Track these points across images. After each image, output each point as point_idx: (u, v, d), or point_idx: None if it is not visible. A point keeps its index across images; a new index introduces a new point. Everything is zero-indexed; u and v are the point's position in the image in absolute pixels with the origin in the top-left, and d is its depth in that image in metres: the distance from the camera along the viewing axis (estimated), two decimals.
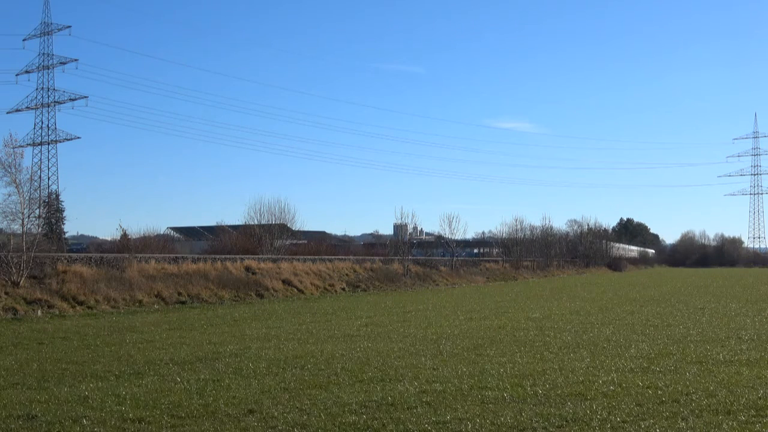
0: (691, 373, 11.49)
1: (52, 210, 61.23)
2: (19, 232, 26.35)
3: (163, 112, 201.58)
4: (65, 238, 64.67)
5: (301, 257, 43.18)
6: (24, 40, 76.11)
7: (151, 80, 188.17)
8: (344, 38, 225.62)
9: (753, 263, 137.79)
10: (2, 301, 22.85)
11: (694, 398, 9.47)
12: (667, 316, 22.86)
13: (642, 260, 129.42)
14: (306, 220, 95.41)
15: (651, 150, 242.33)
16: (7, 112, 77.94)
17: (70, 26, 75.50)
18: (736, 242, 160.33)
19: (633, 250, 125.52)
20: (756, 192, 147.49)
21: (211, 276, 31.94)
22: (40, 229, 30.51)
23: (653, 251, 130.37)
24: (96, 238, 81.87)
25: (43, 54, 73.95)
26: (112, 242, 49.20)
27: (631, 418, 8.42)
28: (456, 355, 13.78)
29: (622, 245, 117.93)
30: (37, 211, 29.03)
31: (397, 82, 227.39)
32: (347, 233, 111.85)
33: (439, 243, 71.57)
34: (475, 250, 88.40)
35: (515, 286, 49.20)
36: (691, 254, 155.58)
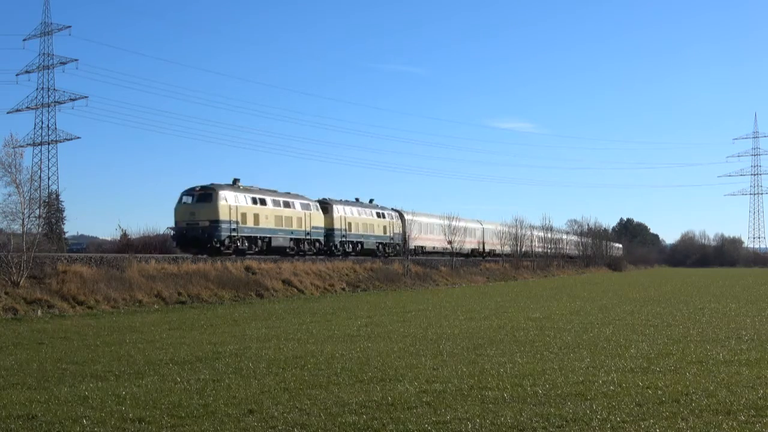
0: (691, 373, 11.48)
1: (52, 210, 61.25)
2: (19, 232, 26.32)
3: (163, 111, 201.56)
4: (65, 238, 64.62)
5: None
6: (24, 40, 76.27)
7: (151, 80, 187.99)
8: (344, 38, 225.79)
9: (753, 263, 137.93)
10: (2, 301, 22.84)
11: (694, 398, 9.46)
12: (667, 316, 22.84)
13: (642, 260, 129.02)
14: None
15: (651, 150, 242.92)
16: (7, 112, 78.09)
17: (70, 26, 75.67)
18: (736, 242, 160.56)
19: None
20: (756, 192, 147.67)
21: (211, 276, 31.92)
22: (40, 229, 30.50)
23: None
24: (96, 238, 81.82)
25: (43, 54, 74.02)
26: (112, 242, 49.22)
27: (631, 418, 8.42)
28: (456, 355, 13.77)
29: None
30: (37, 211, 29.01)
31: (397, 82, 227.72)
32: None
33: None
34: None
35: (515, 286, 49.18)
36: (691, 254, 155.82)
